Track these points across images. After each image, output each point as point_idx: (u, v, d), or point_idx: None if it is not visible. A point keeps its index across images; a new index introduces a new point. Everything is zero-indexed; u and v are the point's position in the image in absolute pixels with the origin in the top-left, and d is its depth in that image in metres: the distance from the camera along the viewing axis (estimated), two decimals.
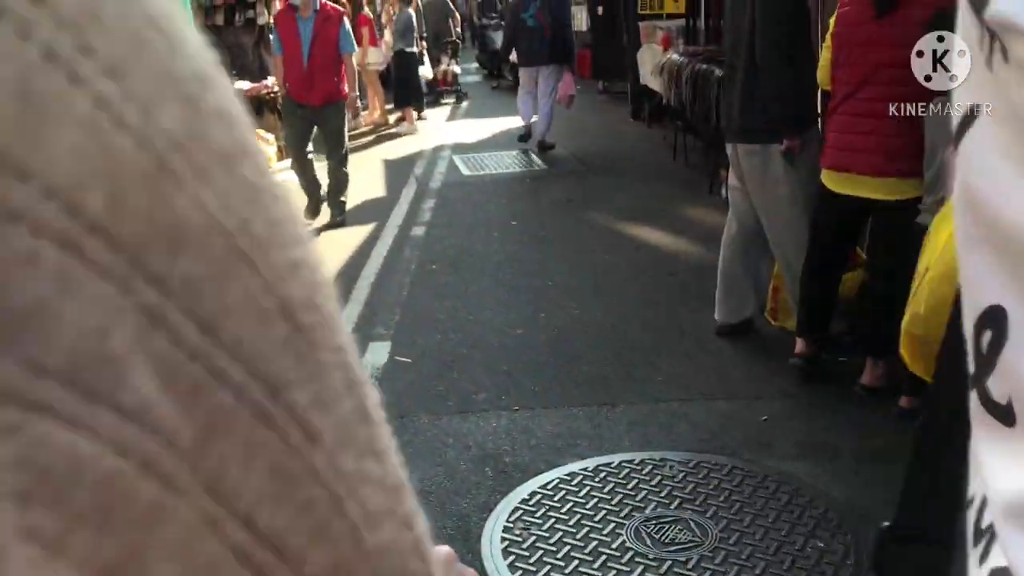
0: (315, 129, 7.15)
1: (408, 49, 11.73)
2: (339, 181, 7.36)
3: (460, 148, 10.71)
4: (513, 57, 10.21)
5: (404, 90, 11.83)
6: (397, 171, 9.59)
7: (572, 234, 6.77)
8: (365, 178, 9.30)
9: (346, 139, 7.38)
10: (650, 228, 6.79)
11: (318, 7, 6.82)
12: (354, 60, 7.26)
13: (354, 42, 7.27)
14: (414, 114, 12.22)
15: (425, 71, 12.81)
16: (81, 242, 0.18)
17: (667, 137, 10.03)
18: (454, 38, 14.10)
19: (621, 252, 6.30)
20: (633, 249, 6.35)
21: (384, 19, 11.58)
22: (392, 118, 12.52)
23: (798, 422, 3.83)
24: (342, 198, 7.45)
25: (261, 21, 10.29)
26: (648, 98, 11.17)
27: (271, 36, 7.83)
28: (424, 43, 13.20)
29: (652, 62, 10.60)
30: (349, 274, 6.11)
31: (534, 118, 9.79)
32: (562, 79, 9.60)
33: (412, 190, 8.68)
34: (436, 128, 12.35)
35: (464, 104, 14.36)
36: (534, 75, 9.60)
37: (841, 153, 3.78)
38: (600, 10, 14.12)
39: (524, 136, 10.04)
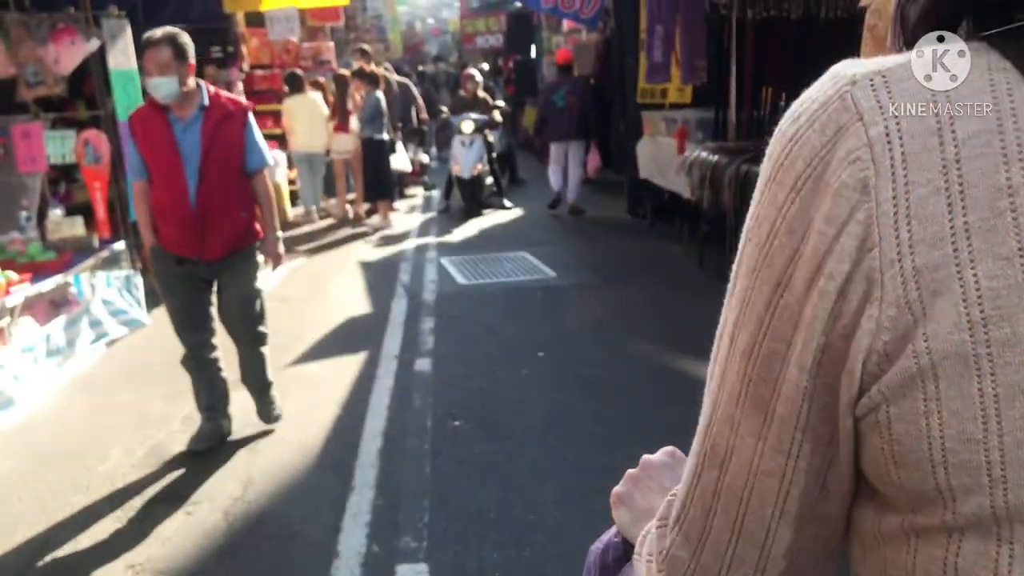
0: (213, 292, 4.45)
1: (377, 136, 10.38)
2: (258, 371, 4.61)
3: (447, 249, 9.31)
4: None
5: (376, 181, 10.42)
6: (380, 279, 8.12)
7: (621, 375, 5.36)
8: (345, 288, 7.82)
9: (263, 304, 4.53)
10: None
11: (207, 101, 4.11)
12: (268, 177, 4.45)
13: (267, 153, 4.40)
14: (389, 208, 10.82)
15: (401, 161, 11.43)
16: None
17: (682, 240, 8.82)
18: (418, 125, 12.82)
19: (693, 403, 4.90)
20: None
21: (350, 104, 10.18)
22: (350, 210, 11.14)
23: None
24: (271, 394, 4.69)
25: None
26: (647, 191, 9.99)
27: (127, 151, 4.58)
28: (397, 131, 11.90)
29: (655, 154, 9.45)
30: (347, 434, 4.60)
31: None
32: (589, 152, 11.02)
33: (403, 305, 7.21)
34: (412, 223, 10.93)
35: (434, 194, 13.00)
36: (564, 149, 10.77)
37: None
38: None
39: (554, 203, 11.08)
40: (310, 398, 5.17)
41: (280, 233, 4.56)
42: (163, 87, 3.95)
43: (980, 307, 0.47)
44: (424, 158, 13.09)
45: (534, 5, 10.52)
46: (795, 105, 0.57)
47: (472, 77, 12.04)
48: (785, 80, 7.91)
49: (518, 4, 14.18)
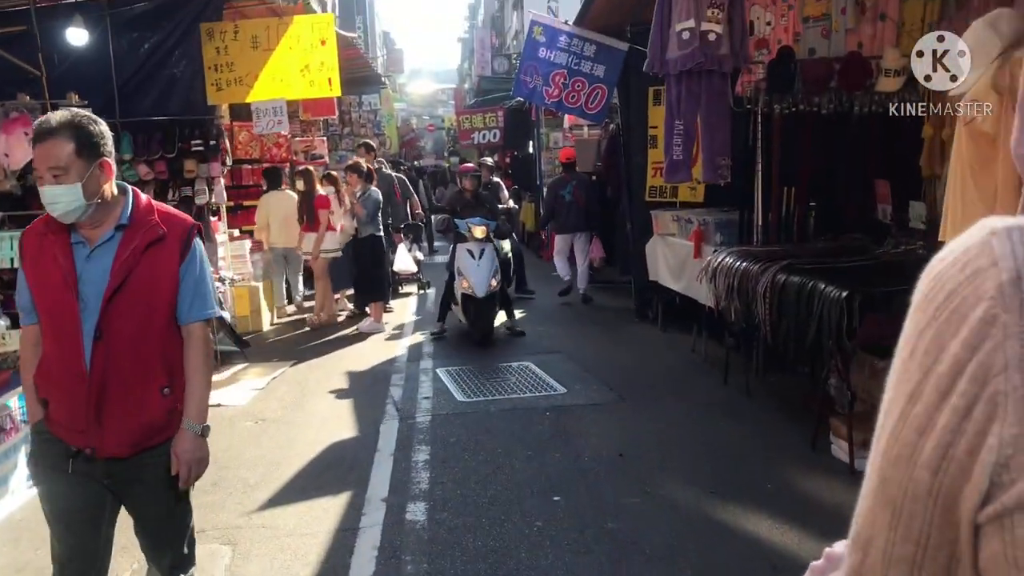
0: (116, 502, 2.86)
1: (378, 233, 9.62)
2: None
3: (443, 356, 8.41)
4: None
5: (372, 282, 9.59)
6: (369, 395, 7.19)
7: (656, 528, 4.39)
8: (328, 406, 6.87)
9: (190, 522, 2.99)
10: (761, 516, 4.47)
11: (127, 217, 2.74)
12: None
13: (212, 296, 2.88)
14: (381, 309, 9.95)
15: (403, 261, 10.64)
16: None
17: (698, 349, 7.94)
18: (414, 220, 12.07)
19: (747, 567, 3.94)
20: (768, 569, 3.97)
21: (348, 201, 9.44)
22: (336, 313, 10.29)
23: None
24: None
25: (200, 200, 8.05)
26: (656, 293, 9.17)
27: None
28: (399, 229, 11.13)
29: (666, 256, 8.65)
30: None
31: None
32: (592, 243, 11.40)
33: (394, 428, 6.26)
34: (406, 327, 10.04)
35: (431, 293, 12.16)
36: (570, 241, 11.21)
37: None
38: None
39: (565, 291, 11.27)
40: (277, 561, 4.17)
41: (203, 426, 2.81)
42: (61, 199, 2.59)
43: None
44: (419, 255, 12.26)
45: (538, 100, 9.87)
46: (945, 248, 0.62)
47: (470, 173, 9.63)
48: (815, 180, 7.16)
49: (519, 99, 13.58)
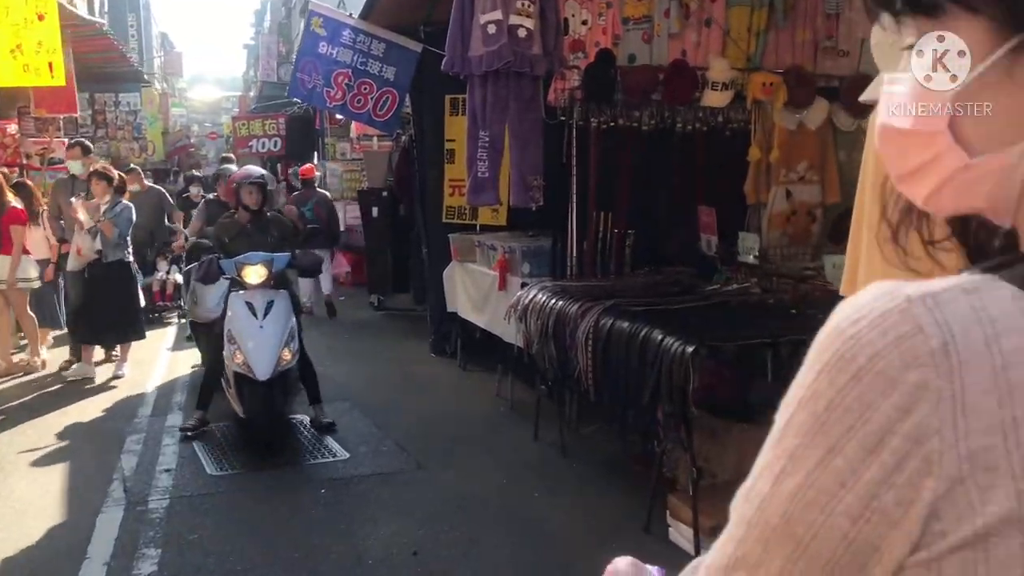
0: None
1: (127, 260, 7.72)
2: None
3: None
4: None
5: (123, 317, 7.67)
6: (90, 469, 5.53)
7: None
8: (32, 486, 5.16)
9: None
10: None
11: None
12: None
13: None
14: (92, 353, 7.91)
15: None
16: None
17: (502, 393, 6.85)
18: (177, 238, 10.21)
19: None
20: None
21: (83, 216, 7.31)
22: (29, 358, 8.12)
23: None
24: None
25: None
26: (455, 324, 8.04)
27: None
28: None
29: (466, 286, 7.54)
30: None
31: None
32: (335, 259, 11.25)
33: (116, 519, 4.70)
34: (152, 369, 8.26)
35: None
36: None
37: None
38: (376, 211, 10.96)
39: (308, 311, 10.26)
40: None
41: None
42: None
43: None
44: (178, 278, 10.24)
45: (318, 102, 8.45)
46: (849, 309, 0.62)
47: (249, 181, 6.02)
48: (634, 205, 6.25)
49: (302, 106, 12.08)
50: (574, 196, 6.04)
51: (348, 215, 12.81)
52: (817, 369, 0.62)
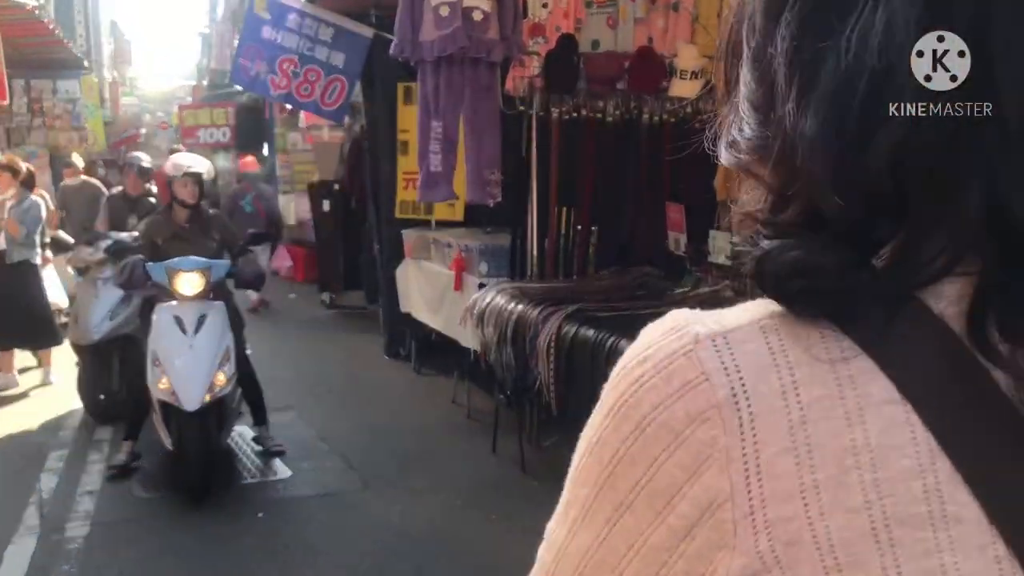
0: None
1: (34, 261, 7.00)
2: None
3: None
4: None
5: (35, 323, 7.05)
6: (4, 490, 5.00)
7: None
8: None
9: None
10: None
11: None
12: None
13: None
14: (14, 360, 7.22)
15: (57, 294, 7.64)
16: None
17: (458, 399, 6.44)
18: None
19: None
20: None
21: None
22: None
23: None
24: None
25: None
26: (409, 326, 7.60)
27: None
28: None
29: (421, 286, 7.11)
30: None
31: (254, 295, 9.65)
32: (276, 253, 11.53)
33: (28, 550, 4.23)
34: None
35: None
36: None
37: None
38: (327, 205, 10.45)
39: (254, 308, 9.95)
40: None
41: None
42: None
43: (834, 555, 0.48)
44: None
45: (261, 90, 7.93)
46: (639, 345, 0.55)
47: (184, 174, 5.13)
48: (597, 200, 5.86)
49: (252, 95, 11.52)
50: (534, 191, 5.63)
51: (300, 208, 12.30)
52: (604, 412, 0.56)
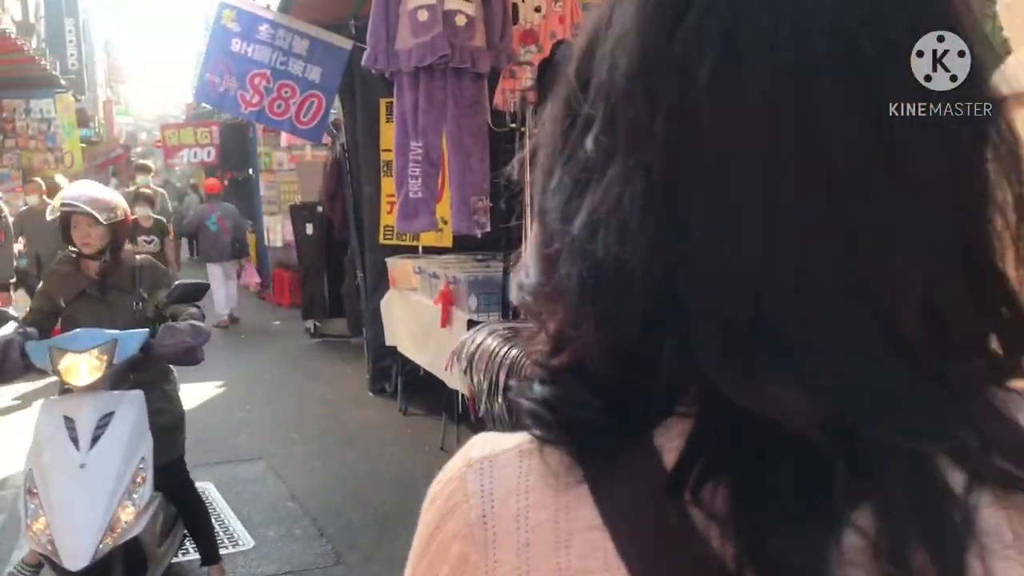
0: None
1: None
2: None
3: None
4: None
5: None
6: None
7: None
8: None
9: None
10: None
11: None
12: None
13: None
14: None
15: None
16: None
17: (447, 446, 5.76)
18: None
19: None
20: None
21: None
22: None
23: None
24: None
25: None
26: (396, 361, 6.96)
27: None
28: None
29: (405, 319, 6.46)
30: None
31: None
32: (244, 269, 12.05)
33: None
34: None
35: None
36: (221, 268, 10.97)
37: None
38: (310, 228, 9.80)
39: (223, 325, 10.66)
40: None
41: None
42: None
43: None
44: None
45: (231, 109, 7.26)
46: (449, 462, 0.60)
47: (91, 204, 3.51)
48: None
49: (215, 110, 10.88)
50: (529, 217, 4.96)
51: (286, 230, 11.75)
52: (421, 516, 0.61)
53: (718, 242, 0.47)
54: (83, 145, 20.71)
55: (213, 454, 5.93)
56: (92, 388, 3.30)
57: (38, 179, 9.30)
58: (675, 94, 0.48)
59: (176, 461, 3.75)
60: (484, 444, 0.57)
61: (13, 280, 6.76)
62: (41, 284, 3.85)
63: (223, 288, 11.03)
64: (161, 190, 11.17)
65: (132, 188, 10.05)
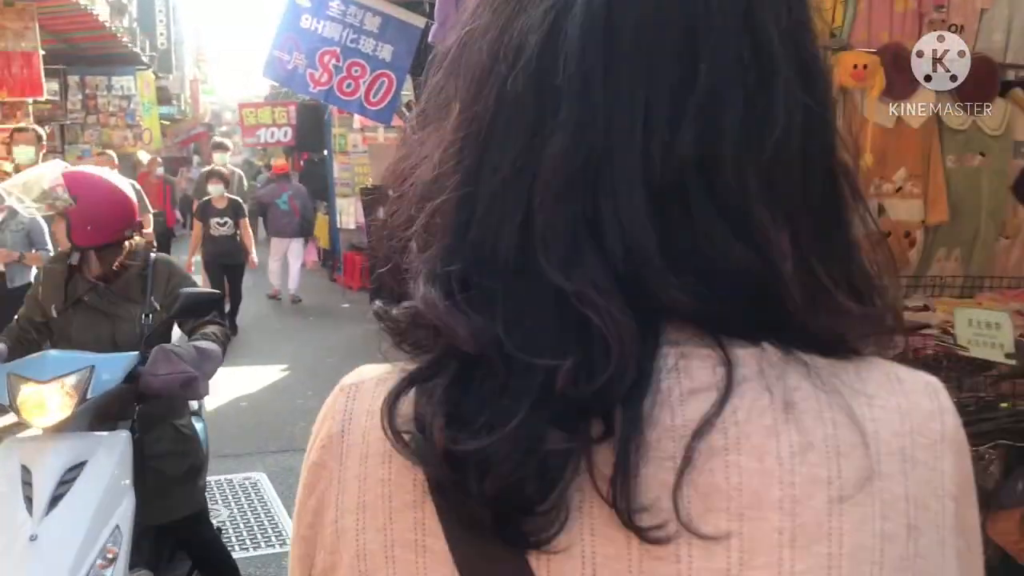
0: None
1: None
2: None
3: None
4: None
5: None
6: None
7: None
8: None
9: None
10: None
11: None
12: None
13: None
14: None
15: None
16: None
17: None
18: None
19: None
20: None
21: None
22: None
23: None
24: None
25: None
26: None
27: None
28: None
29: None
30: None
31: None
32: (308, 248, 12.43)
33: None
34: None
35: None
36: (285, 245, 11.20)
37: None
38: (381, 212, 9.51)
39: (273, 296, 11.37)
40: None
41: None
42: None
43: (364, 564, 0.58)
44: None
45: (299, 87, 7.09)
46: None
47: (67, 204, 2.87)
48: None
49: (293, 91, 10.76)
50: None
51: (358, 213, 11.68)
52: None
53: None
54: (166, 122, 21.09)
55: (271, 442, 5.78)
56: (59, 429, 2.52)
57: (110, 152, 9.24)
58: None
59: (194, 518, 2.99)
60: (356, 374, 0.64)
61: None
62: (32, 286, 3.16)
63: (284, 265, 11.28)
64: (238, 170, 11.03)
65: (208, 168, 10.04)
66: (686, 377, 0.52)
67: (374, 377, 0.62)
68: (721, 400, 0.51)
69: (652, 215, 0.51)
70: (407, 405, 0.55)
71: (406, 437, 0.54)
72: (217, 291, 3.30)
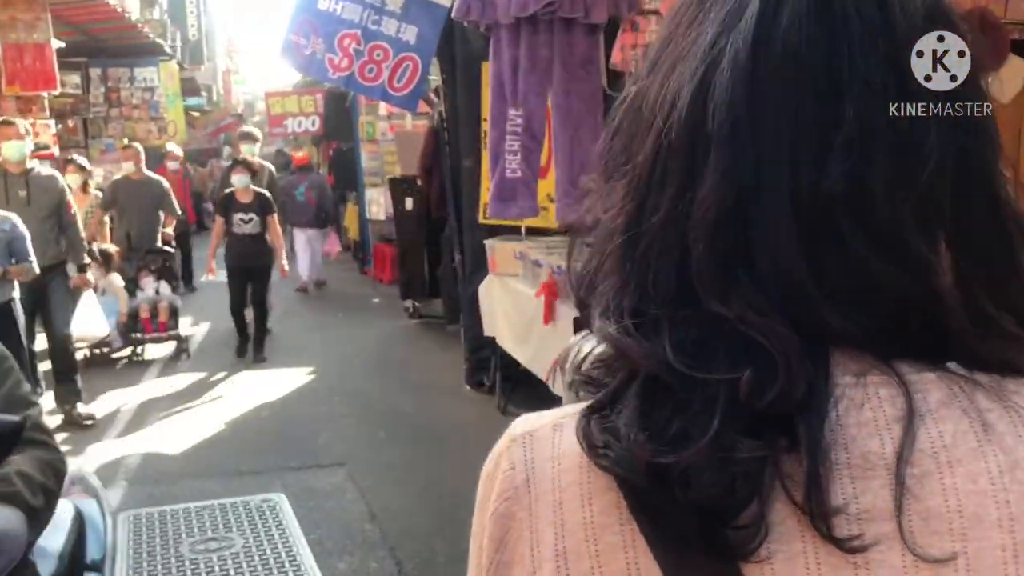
0: None
1: (12, 294, 5.23)
2: None
3: (142, 481, 5.09)
4: None
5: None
6: None
7: None
8: None
9: None
10: None
11: None
12: None
13: None
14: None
15: (93, 325, 6.48)
16: None
17: None
18: (163, 246, 8.22)
19: None
20: None
21: None
22: None
23: None
24: None
25: None
26: (495, 353, 6.26)
27: None
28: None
29: (506, 310, 5.75)
30: None
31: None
32: (328, 238, 12.53)
33: None
34: (116, 421, 6.40)
35: (184, 361, 7.90)
36: (305, 235, 11.46)
37: None
38: (409, 203, 9.18)
39: (301, 289, 11.46)
40: None
41: None
42: None
43: None
44: (174, 298, 7.98)
45: (318, 73, 6.63)
46: (495, 446, 0.67)
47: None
48: None
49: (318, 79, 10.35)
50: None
51: (388, 204, 11.22)
52: (478, 490, 0.68)
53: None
54: (195, 114, 20.85)
55: (292, 457, 5.40)
56: None
57: (136, 144, 8.82)
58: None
59: None
60: (525, 423, 0.66)
61: (88, 262, 6.30)
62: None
63: (306, 255, 11.62)
64: (266, 163, 10.14)
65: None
66: (876, 400, 0.54)
67: (547, 424, 0.64)
68: (924, 426, 0.53)
69: (802, 245, 0.53)
70: (596, 434, 0.57)
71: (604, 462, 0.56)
72: (15, 420, 1.73)
